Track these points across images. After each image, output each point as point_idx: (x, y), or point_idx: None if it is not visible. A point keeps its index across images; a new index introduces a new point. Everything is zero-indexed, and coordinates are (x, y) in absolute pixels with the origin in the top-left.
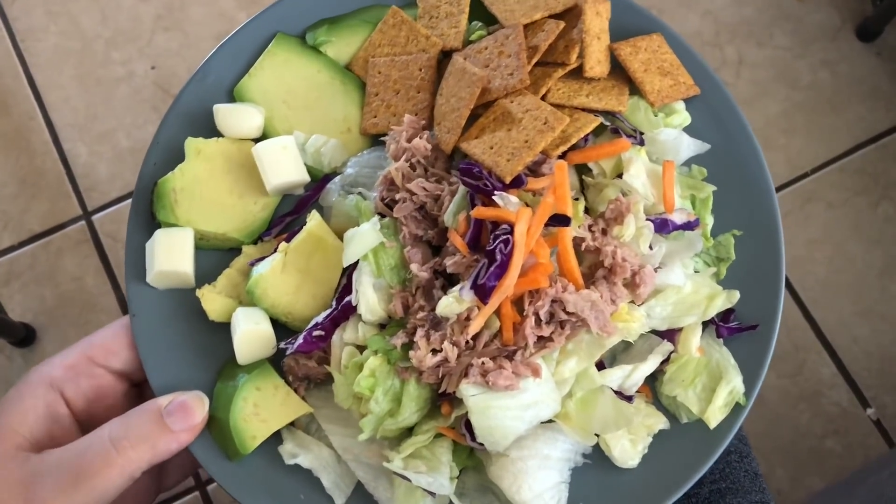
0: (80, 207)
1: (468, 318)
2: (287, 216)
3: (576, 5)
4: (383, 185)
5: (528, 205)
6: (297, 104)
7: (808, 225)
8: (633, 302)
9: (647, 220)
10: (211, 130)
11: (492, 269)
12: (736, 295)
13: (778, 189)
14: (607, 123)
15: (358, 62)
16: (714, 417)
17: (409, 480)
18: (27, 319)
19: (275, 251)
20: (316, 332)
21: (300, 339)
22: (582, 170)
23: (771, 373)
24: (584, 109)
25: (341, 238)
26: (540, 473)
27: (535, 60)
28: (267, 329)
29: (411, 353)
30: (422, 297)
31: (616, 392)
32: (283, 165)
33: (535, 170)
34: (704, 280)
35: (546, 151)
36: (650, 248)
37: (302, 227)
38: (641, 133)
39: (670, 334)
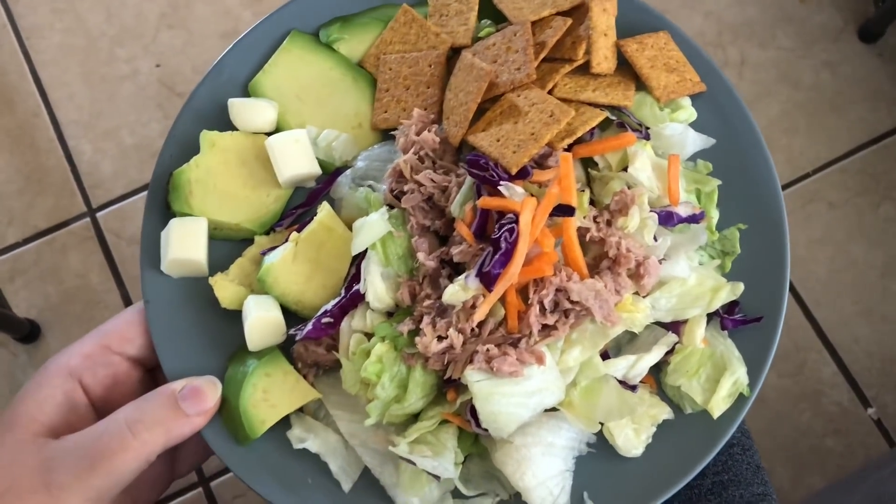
0: (85, 204)
1: (473, 306)
2: (298, 208)
3: (583, 3)
4: (392, 177)
5: (533, 196)
6: (309, 99)
7: (809, 225)
8: (637, 293)
9: (652, 211)
10: (225, 124)
11: (497, 257)
12: (740, 287)
13: None
14: (613, 118)
15: (369, 59)
16: (718, 407)
17: (415, 465)
18: (32, 315)
19: (286, 241)
20: (325, 320)
21: (309, 326)
22: (588, 163)
23: (772, 372)
24: (590, 104)
25: (351, 229)
26: (544, 461)
27: (542, 56)
28: (277, 316)
29: (417, 339)
30: (428, 285)
31: (620, 381)
32: (296, 158)
33: (541, 163)
34: (709, 272)
35: (552, 144)
36: (655, 239)
37: (313, 218)
38: (647, 127)
39: (675, 326)
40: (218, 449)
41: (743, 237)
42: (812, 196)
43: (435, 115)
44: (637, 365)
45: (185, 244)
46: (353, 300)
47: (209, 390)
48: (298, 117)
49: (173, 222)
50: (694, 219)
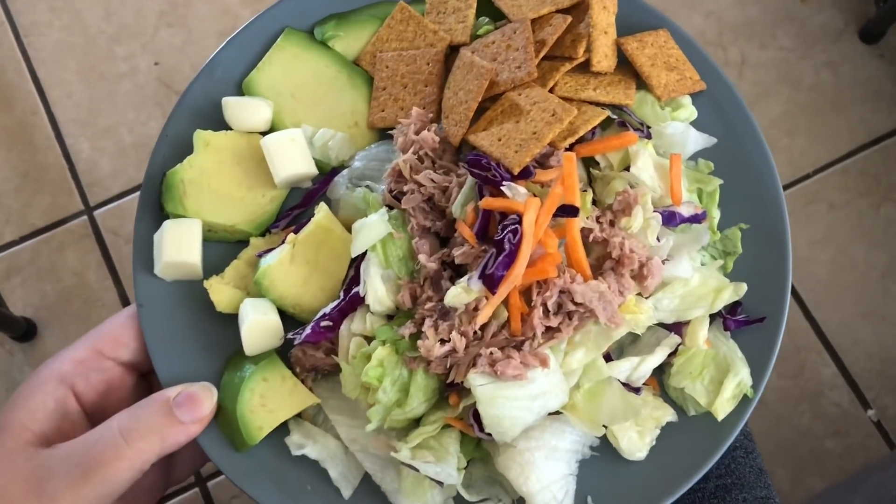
0: (83, 203)
1: (476, 309)
2: (295, 209)
3: (583, 0)
4: (391, 177)
5: (536, 196)
6: (305, 98)
7: (810, 226)
8: (640, 294)
9: (655, 212)
10: (219, 123)
11: (500, 258)
12: (743, 287)
13: None
14: (614, 117)
15: (366, 57)
16: (722, 409)
17: (417, 471)
18: (28, 314)
19: (283, 243)
20: (324, 323)
21: (308, 330)
22: (589, 163)
23: (772, 373)
24: (591, 103)
25: (349, 230)
26: (547, 465)
27: (542, 54)
28: (275, 320)
29: (419, 343)
30: (430, 287)
31: (623, 384)
32: (292, 158)
33: (542, 162)
34: (712, 273)
35: (554, 143)
36: (658, 240)
37: (310, 220)
38: (648, 126)
39: (678, 327)
40: (215, 456)
41: (744, 237)
42: (813, 197)
43: (433, 114)
44: (640, 367)
45: (179, 246)
46: (352, 303)
47: (205, 397)
48: (294, 116)
49: (167, 224)
50: (696, 219)
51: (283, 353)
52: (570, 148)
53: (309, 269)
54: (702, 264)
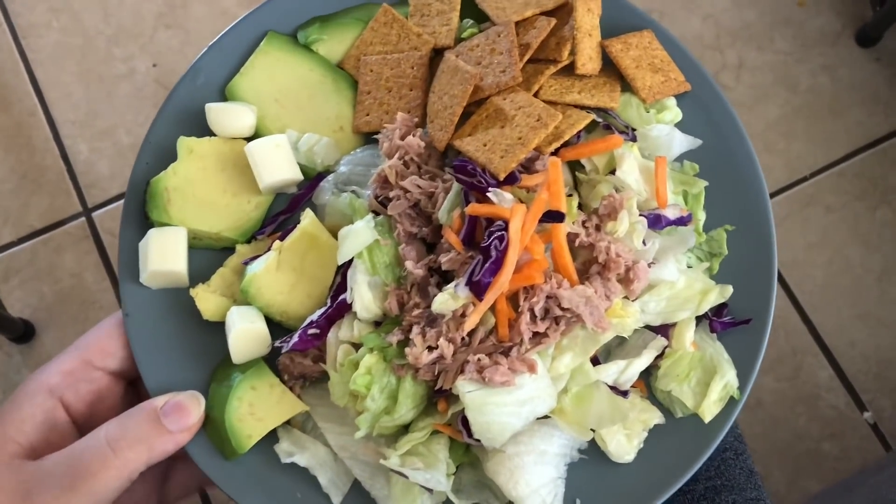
0: (81, 204)
1: (463, 315)
2: (280, 215)
3: (567, 2)
4: (377, 183)
5: (522, 201)
6: (289, 103)
7: (806, 229)
8: (626, 297)
9: (641, 215)
10: (203, 129)
11: (487, 265)
12: (729, 290)
13: (777, 193)
14: (599, 120)
15: (350, 60)
16: (709, 411)
17: (406, 477)
18: (26, 315)
19: (269, 250)
20: (311, 331)
21: (295, 338)
22: (575, 166)
23: (768, 376)
24: (576, 106)
25: (335, 236)
26: (536, 469)
27: (526, 58)
28: (262, 327)
29: (407, 350)
30: (417, 294)
31: (611, 387)
32: (277, 164)
33: (528, 167)
34: (697, 275)
35: (539, 148)
36: (644, 243)
37: (296, 226)
38: (633, 129)
39: (664, 329)
40: (204, 465)
41: (730, 238)
42: (809, 200)
43: (418, 119)
44: (627, 370)
45: (165, 255)
46: (339, 310)
47: (192, 406)
48: (278, 121)
49: (152, 232)
50: (682, 221)
51: (271, 360)
52: (556, 152)
53: (295, 276)
54: (688, 266)
